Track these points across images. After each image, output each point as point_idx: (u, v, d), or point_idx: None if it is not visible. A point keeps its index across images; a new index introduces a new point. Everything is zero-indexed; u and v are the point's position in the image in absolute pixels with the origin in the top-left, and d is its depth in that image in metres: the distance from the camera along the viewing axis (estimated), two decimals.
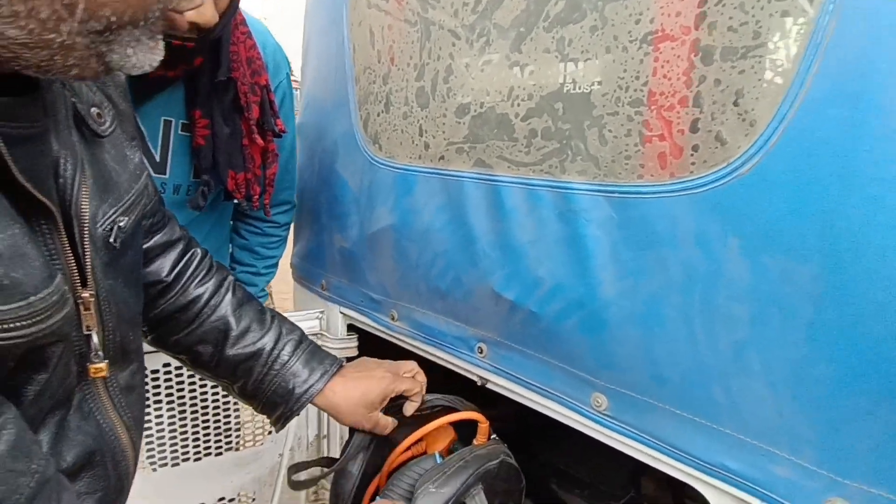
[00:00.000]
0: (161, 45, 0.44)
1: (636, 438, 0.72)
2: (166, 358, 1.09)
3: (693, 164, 0.62)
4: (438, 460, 0.78)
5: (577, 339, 0.75)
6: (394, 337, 1.09)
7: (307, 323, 1.25)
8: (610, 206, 0.69)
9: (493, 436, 0.85)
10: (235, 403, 1.20)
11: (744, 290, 0.60)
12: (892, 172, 0.49)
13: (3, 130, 0.40)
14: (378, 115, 1.02)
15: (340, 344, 1.24)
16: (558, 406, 0.80)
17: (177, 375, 1.11)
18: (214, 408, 1.17)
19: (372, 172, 1.04)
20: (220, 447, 1.20)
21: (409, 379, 0.84)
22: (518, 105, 0.79)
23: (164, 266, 0.75)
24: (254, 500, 1.28)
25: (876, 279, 0.50)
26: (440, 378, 1.52)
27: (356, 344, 1.26)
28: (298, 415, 0.77)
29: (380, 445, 0.83)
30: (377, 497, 0.79)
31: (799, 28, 0.53)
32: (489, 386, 0.93)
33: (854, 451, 0.54)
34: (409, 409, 0.84)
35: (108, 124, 0.56)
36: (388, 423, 0.81)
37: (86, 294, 0.49)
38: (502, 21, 0.79)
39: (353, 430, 0.83)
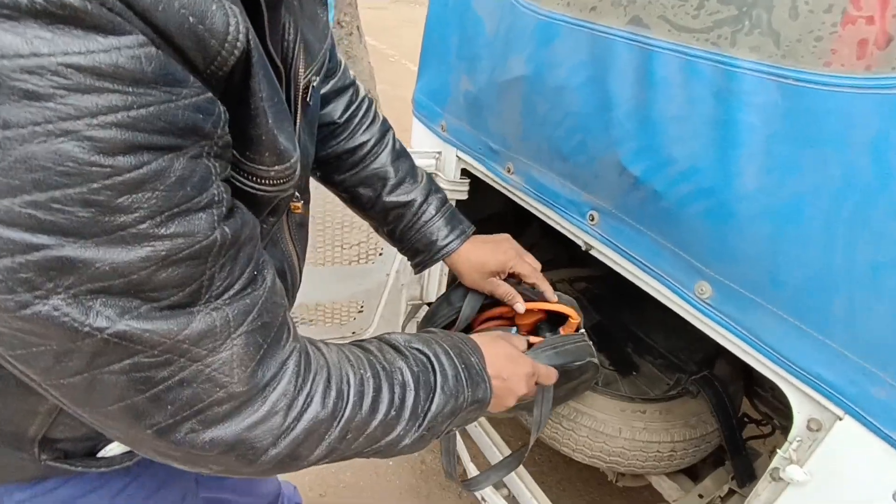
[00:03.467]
0: None
1: (733, 331, 0.74)
2: None
3: None
4: (514, 333, 0.85)
5: (697, 225, 0.74)
6: (506, 189, 1.12)
7: (423, 161, 1.30)
8: (779, 93, 0.62)
9: (581, 330, 0.89)
10: (352, 226, 1.33)
11: None
12: None
13: None
14: None
15: (452, 186, 1.30)
16: (660, 285, 0.82)
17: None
18: (335, 226, 1.31)
19: (512, 15, 0.98)
20: (338, 259, 1.37)
21: (530, 265, 0.88)
22: None
23: (337, 109, 0.81)
24: (362, 306, 1.48)
25: None
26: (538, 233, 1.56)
27: (467, 188, 1.31)
28: (433, 265, 0.87)
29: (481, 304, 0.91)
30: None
31: None
32: (592, 252, 0.96)
33: None
34: (548, 292, 0.88)
35: None
36: (506, 289, 0.87)
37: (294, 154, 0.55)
38: None
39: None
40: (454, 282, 1.53)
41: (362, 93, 0.86)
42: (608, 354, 1.41)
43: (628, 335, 1.47)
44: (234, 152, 0.42)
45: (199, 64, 0.34)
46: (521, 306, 0.87)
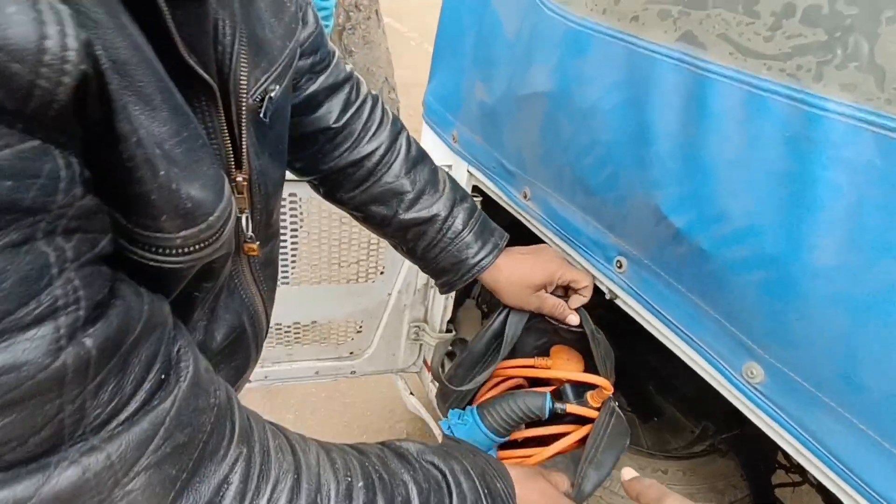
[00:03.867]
0: None
1: (788, 428, 0.60)
2: (291, 187, 1.08)
3: None
4: (549, 403, 0.72)
5: (752, 298, 0.60)
6: (522, 216, 0.98)
7: None
8: (878, 148, 0.48)
9: (610, 399, 0.75)
10: (350, 242, 1.21)
11: None
12: None
13: None
14: None
15: None
16: (698, 357, 0.69)
17: (301, 206, 1.11)
18: (332, 242, 1.19)
19: (536, 17, 0.83)
20: (336, 278, 1.25)
21: (579, 270, 0.77)
22: None
23: (332, 111, 0.67)
24: (360, 326, 1.37)
25: None
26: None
27: (479, 203, 1.18)
28: (461, 286, 0.75)
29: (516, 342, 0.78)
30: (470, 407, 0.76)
31: None
32: (618, 302, 0.82)
33: None
34: (576, 302, 0.77)
35: None
36: (556, 303, 0.76)
37: (239, 178, 0.43)
38: None
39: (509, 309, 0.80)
40: (461, 302, 1.40)
41: (364, 90, 0.72)
42: (627, 395, 1.28)
43: (650, 374, 1.33)
44: (119, 216, 0.30)
45: (6, 103, 0.22)
46: (574, 318, 0.77)
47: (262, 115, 0.44)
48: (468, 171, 1.13)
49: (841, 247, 0.51)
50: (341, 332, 1.37)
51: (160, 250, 0.32)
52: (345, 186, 0.71)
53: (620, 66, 0.70)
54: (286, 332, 1.30)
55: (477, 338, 0.80)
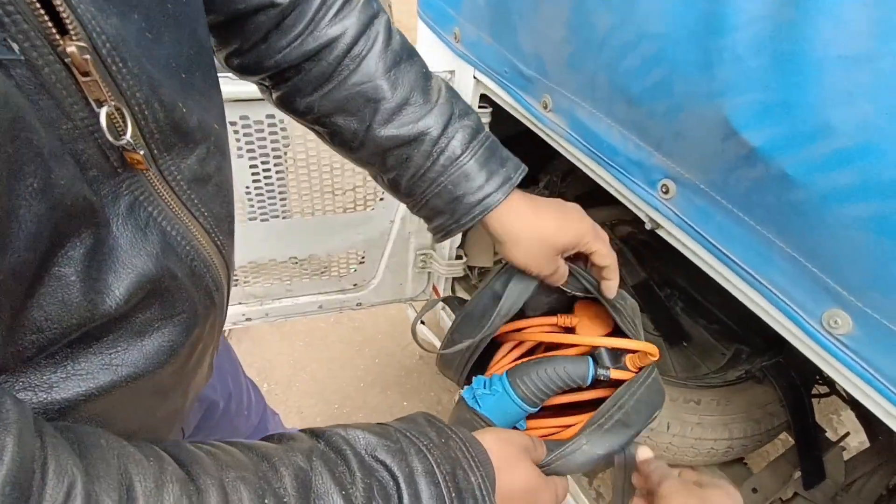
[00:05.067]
0: None
1: (877, 387, 0.50)
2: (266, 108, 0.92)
3: None
4: (592, 370, 0.60)
5: (851, 235, 0.47)
6: (541, 130, 0.83)
7: None
8: None
9: (651, 365, 0.63)
10: (343, 168, 1.06)
11: None
12: None
13: None
14: None
15: None
16: (766, 303, 0.57)
17: (282, 128, 0.96)
18: (322, 169, 1.05)
19: None
20: (331, 208, 1.12)
21: (608, 246, 0.60)
22: None
23: None
24: (363, 257, 1.26)
25: None
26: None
27: (489, 120, 1.02)
28: (460, 231, 0.58)
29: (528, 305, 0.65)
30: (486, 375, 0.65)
31: None
32: (661, 233, 0.69)
33: None
34: (608, 290, 0.61)
35: None
36: (566, 272, 0.61)
37: (72, 47, 0.28)
38: None
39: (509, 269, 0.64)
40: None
41: None
42: (653, 317, 1.19)
43: (679, 293, 1.23)
44: None
45: None
46: (612, 288, 0.60)
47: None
48: (474, 78, 0.95)
49: None
50: (343, 264, 1.26)
51: None
52: (302, 89, 0.53)
53: None
54: (282, 266, 1.20)
55: (473, 300, 0.66)
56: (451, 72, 0.99)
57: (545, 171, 1.44)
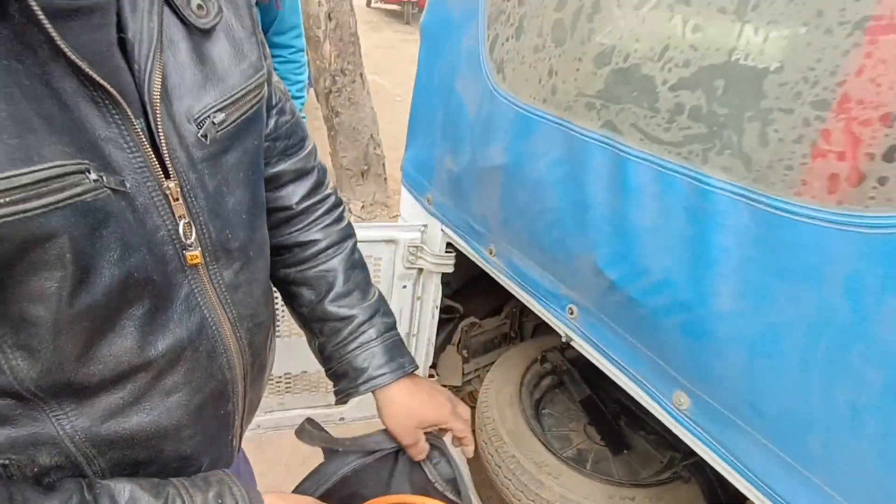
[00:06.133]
0: None
1: (711, 447, 0.71)
2: None
3: (872, 198, 0.51)
4: None
5: (674, 338, 0.72)
6: (489, 269, 1.10)
7: (410, 234, 1.29)
8: (751, 217, 0.60)
9: None
10: None
11: (883, 354, 0.52)
12: None
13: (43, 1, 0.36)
14: (507, 40, 0.93)
15: (438, 259, 1.28)
16: (639, 390, 0.80)
17: None
18: None
19: (492, 103, 0.97)
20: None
21: (464, 421, 0.78)
22: (669, 70, 0.67)
23: (295, 193, 0.74)
24: None
25: None
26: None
27: (453, 262, 1.30)
28: (357, 396, 0.75)
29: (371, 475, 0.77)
30: None
31: None
32: (573, 344, 0.93)
33: None
34: (467, 452, 0.80)
35: (211, 17, 0.53)
36: (425, 448, 0.76)
37: (171, 185, 0.48)
38: None
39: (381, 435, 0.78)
40: (443, 348, 1.49)
41: (328, 190, 0.79)
42: (599, 429, 1.37)
43: (621, 409, 1.43)
44: None
45: None
46: (469, 451, 0.79)
47: (201, 135, 0.51)
48: (442, 230, 1.25)
49: (734, 295, 0.63)
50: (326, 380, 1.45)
51: None
52: (286, 262, 0.76)
53: (560, 145, 0.84)
54: (277, 382, 1.38)
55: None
56: (425, 225, 1.29)
57: (507, 305, 1.70)
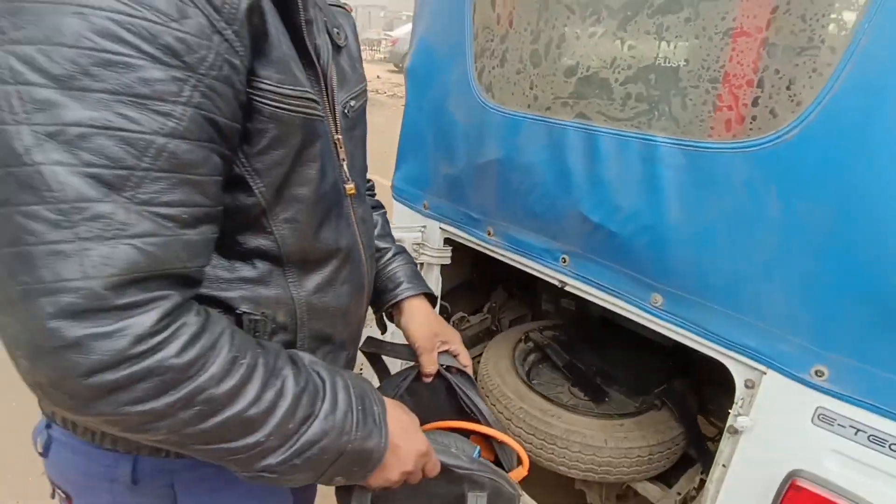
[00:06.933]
0: None
1: (682, 325, 1.00)
2: None
3: (751, 129, 0.86)
4: (477, 454, 0.83)
5: (645, 252, 1.02)
6: (487, 249, 1.38)
7: (411, 234, 1.55)
8: (683, 156, 0.94)
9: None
10: None
11: (776, 224, 0.85)
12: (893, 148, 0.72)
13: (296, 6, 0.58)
14: (493, 68, 1.26)
15: (437, 253, 1.54)
16: (623, 303, 1.09)
17: None
18: None
19: (483, 115, 1.29)
20: None
21: (461, 342, 1.02)
22: (618, 73, 1.01)
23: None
24: None
25: (868, 224, 0.75)
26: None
27: (450, 254, 1.56)
28: (391, 304, 0.96)
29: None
30: None
31: (841, 37, 0.75)
32: (567, 288, 1.21)
33: (835, 334, 0.80)
34: (465, 361, 1.00)
35: (343, 40, 0.77)
36: (434, 360, 0.96)
37: (338, 136, 0.71)
38: (613, 4, 1.01)
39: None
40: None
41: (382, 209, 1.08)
42: (582, 388, 1.64)
43: (596, 370, 1.71)
44: (261, 81, 0.54)
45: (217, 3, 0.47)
46: (465, 358, 1.00)
47: (346, 112, 0.74)
48: (440, 229, 1.52)
49: (680, 210, 0.95)
50: None
51: (276, 97, 0.55)
52: None
53: (544, 136, 1.15)
54: None
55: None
56: (424, 226, 1.56)
57: (488, 303, 1.96)
